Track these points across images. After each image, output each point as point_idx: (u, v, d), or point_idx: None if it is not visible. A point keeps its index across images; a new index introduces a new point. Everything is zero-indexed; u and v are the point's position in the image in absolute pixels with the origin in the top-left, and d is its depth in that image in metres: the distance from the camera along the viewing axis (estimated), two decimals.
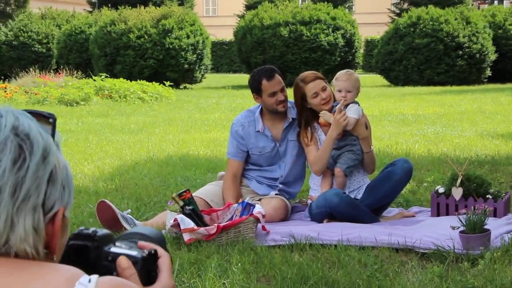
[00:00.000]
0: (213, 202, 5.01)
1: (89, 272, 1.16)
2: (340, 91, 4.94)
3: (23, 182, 1.11)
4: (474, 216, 3.94)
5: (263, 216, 4.38)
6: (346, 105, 4.92)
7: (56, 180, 1.16)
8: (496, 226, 4.30)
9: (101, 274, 1.23)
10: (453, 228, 3.99)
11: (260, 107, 5.18)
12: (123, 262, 1.27)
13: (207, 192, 5.09)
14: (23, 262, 1.12)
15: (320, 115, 4.92)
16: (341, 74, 5.03)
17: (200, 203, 4.79)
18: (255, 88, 5.07)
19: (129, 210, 4.88)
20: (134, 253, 1.30)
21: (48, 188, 1.14)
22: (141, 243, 1.36)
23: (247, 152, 5.20)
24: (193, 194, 4.59)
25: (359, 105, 4.98)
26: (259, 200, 5.06)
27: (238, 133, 5.18)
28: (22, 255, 1.12)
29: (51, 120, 1.20)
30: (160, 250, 1.34)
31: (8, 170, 1.10)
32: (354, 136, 4.96)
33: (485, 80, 26.24)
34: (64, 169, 1.18)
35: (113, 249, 1.30)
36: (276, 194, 5.14)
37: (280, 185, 5.21)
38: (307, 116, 5.05)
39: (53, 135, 1.19)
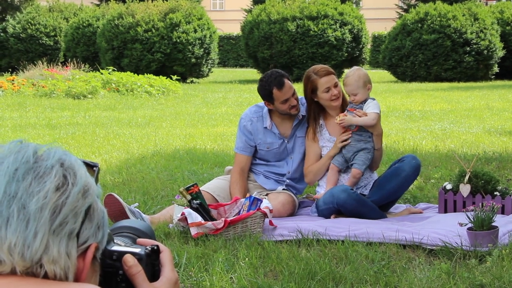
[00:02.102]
0: (220, 196, 5.01)
1: None
2: (349, 95, 4.98)
3: (63, 206, 1.14)
4: (482, 213, 3.93)
5: (271, 211, 4.38)
6: (364, 101, 4.91)
7: (93, 217, 1.20)
8: (504, 223, 4.30)
9: (106, 273, 1.25)
10: (461, 224, 3.99)
11: None
12: (129, 260, 1.29)
13: (214, 187, 5.09)
14: (48, 281, 1.14)
15: (339, 118, 4.90)
16: (345, 77, 5.03)
17: (207, 198, 4.79)
18: (267, 96, 5.04)
19: (137, 204, 4.88)
20: (137, 250, 1.31)
21: (85, 221, 1.18)
22: (140, 239, 1.38)
23: (255, 147, 5.20)
24: (200, 189, 4.59)
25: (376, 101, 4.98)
26: (266, 195, 5.06)
27: (247, 128, 5.17)
28: (51, 276, 1.14)
29: (94, 168, 1.28)
30: (161, 245, 1.36)
31: (51, 192, 1.14)
32: (369, 133, 4.95)
33: (493, 77, 26.17)
34: (101, 212, 1.23)
35: (116, 248, 1.31)
36: (283, 189, 5.14)
37: (288, 181, 5.20)
38: (314, 109, 5.05)
39: (95, 182, 1.25)
